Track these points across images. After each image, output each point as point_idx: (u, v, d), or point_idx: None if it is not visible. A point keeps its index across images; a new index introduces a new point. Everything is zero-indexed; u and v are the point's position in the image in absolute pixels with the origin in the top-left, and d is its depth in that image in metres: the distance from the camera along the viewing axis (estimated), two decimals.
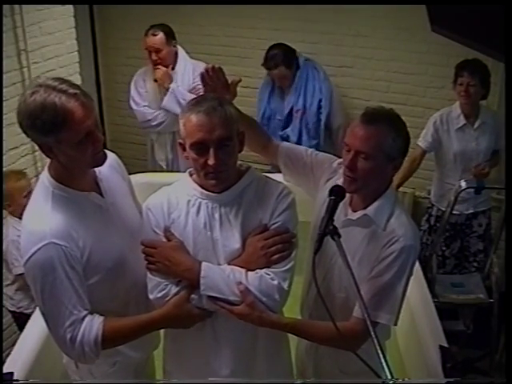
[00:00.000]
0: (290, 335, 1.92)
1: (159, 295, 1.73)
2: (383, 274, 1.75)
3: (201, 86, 3.43)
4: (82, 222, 1.68)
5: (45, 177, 1.72)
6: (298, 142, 3.72)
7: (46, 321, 1.69)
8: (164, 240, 1.75)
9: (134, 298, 1.83)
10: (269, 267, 1.73)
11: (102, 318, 1.69)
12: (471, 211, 3.43)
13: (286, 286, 1.73)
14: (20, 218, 2.98)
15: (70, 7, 3.57)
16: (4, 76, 3.06)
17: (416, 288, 2.57)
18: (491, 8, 1.76)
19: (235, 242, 1.74)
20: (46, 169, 1.73)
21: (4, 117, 3.09)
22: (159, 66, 3.59)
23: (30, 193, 2.91)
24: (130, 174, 2.82)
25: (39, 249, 1.61)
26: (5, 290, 3.09)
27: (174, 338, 1.89)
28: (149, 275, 1.76)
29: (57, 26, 3.47)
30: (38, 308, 2.23)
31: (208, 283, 1.69)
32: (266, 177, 1.87)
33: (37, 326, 2.33)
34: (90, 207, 1.72)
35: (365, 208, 1.81)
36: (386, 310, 1.75)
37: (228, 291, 1.69)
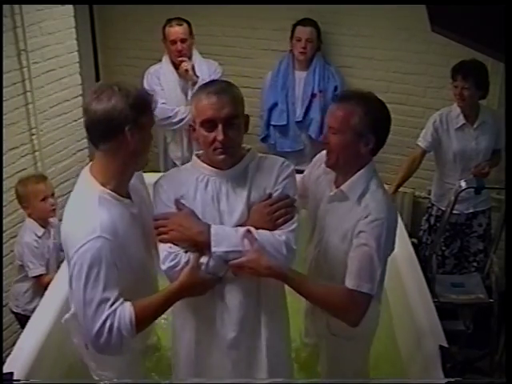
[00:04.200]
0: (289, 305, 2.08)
1: (171, 264, 1.84)
2: (360, 246, 1.90)
3: None
4: (120, 224, 1.82)
5: (88, 179, 1.87)
6: (321, 127, 3.71)
7: (84, 311, 1.77)
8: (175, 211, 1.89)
9: (138, 294, 1.90)
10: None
11: (129, 302, 1.80)
12: (471, 211, 3.43)
13: (292, 243, 1.87)
14: (37, 221, 2.98)
15: (70, 7, 3.57)
16: (4, 76, 3.06)
17: (416, 288, 2.58)
18: (491, 8, 1.76)
19: (241, 213, 1.88)
20: (87, 173, 1.89)
21: (4, 117, 3.09)
22: (185, 59, 3.61)
23: (46, 197, 2.95)
24: None
25: (90, 240, 1.74)
26: (12, 289, 3.09)
27: (182, 309, 2.00)
28: (161, 247, 1.87)
29: (57, 26, 3.47)
30: (37, 309, 2.25)
31: (219, 239, 1.82)
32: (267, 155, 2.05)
33: (37, 326, 2.34)
34: (125, 212, 1.87)
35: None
36: (365, 279, 1.88)
37: (237, 242, 1.82)
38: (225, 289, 1.91)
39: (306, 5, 3.87)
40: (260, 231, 1.85)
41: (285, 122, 3.80)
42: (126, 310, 1.78)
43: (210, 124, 1.83)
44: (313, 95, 3.77)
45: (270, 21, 4.10)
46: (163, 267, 1.86)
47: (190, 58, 3.67)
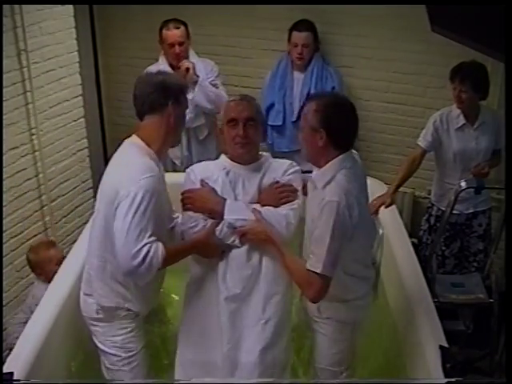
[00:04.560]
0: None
1: (191, 225, 2.31)
2: (316, 228, 2.12)
3: (217, 81, 3.72)
4: (159, 179, 2.21)
5: (138, 141, 2.22)
6: None
7: (127, 235, 2.06)
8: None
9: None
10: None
11: (160, 242, 2.14)
12: (471, 211, 3.43)
13: (291, 218, 2.30)
14: (48, 283, 2.96)
15: (69, 7, 3.57)
16: (4, 76, 3.06)
17: (416, 288, 2.58)
18: (491, 8, 1.76)
19: (252, 196, 2.35)
20: (135, 138, 2.23)
21: (4, 117, 3.09)
22: (185, 60, 3.62)
23: (59, 261, 2.94)
24: None
25: (145, 178, 2.10)
26: None
27: (196, 269, 2.36)
28: (184, 213, 2.37)
29: (57, 26, 3.47)
30: (37, 309, 2.27)
31: (230, 209, 2.28)
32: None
33: (37, 325, 2.34)
34: (161, 174, 2.28)
35: None
36: (316, 260, 2.08)
37: (246, 214, 2.28)
38: (231, 253, 2.29)
39: (306, 5, 3.87)
40: (266, 207, 2.30)
41: (280, 123, 3.80)
42: (159, 246, 2.11)
43: (233, 122, 2.35)
44: (307, 96, 3.77)
45: (270, 21, 4.09)
46: (183, 227, 2.34)
47: (187, 58, 3.67)
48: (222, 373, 2.20)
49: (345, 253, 2.11)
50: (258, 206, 2.31)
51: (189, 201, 2.34)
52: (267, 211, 2.29)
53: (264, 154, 2.47)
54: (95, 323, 2.35)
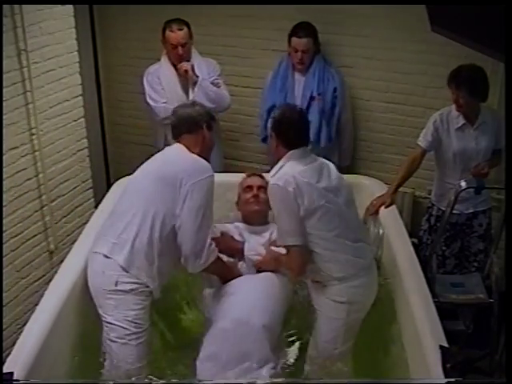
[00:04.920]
0: None
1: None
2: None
3: (219, 80, 3.86)
4: None
5: (183, 148, 2.64)
6: (319, 130, 3.75)
7: (197, 231, 2.47)
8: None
9: None
10: None
11: None
12: (471, 211, 3.43)
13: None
14: None
15: (70, 7, 3.57)
16: (4, 76, 3.05)
17: (416, 288, 2.58)
18: (491, 8, 1.76)
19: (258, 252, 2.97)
20: (182, 146, 2.65)
21: (4, 117, 3.09)
22: (183, 62, 3.64)
23: None
24: (129, 173, 2.84)
25: (208, 176, 2.53)
26: None
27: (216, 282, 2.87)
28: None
29: (57, 25, 3.47)
30: (37, 310, 2.26)
31: (249, 248, 2.95)
32: None
33: (37, 325, 2.34)
34: None
35: None
36: (279, 236, 2.58)
37: (260, 251, 2.93)
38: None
39: (306, 5, 3.87)
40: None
41: None
42: (214, 245, 2.55)
43: (249, 188, 3.17)
44: (312, 98, 3.77)
45: (270, 21, 4.09)
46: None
47: (190, 58, 3.68)
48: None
49: (314, 229, 2.48)
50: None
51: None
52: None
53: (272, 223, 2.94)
54: (110, 296, 2.46)
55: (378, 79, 3.99)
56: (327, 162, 2.71)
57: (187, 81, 3.67)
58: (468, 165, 3.33)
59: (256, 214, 3.09)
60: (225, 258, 2.84)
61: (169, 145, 3.88)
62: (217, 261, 2.63)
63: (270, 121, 2.74)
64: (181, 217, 2.48)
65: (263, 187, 3.07)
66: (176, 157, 2.64)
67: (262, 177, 3.20)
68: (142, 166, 2.74)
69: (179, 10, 3.97)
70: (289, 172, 2.51)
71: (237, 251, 2.93)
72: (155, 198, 2.51)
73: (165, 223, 2.49)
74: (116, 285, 2.45)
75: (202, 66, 3.72)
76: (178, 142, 2.68)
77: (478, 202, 3.40)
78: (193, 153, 2.62)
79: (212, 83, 3.70)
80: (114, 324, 2.45)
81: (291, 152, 2.59)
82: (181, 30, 3.62)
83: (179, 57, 3.65)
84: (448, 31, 2.34)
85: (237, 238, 3.02)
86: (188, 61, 3.68)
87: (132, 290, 2.46)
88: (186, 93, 3.70)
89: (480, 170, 3.27)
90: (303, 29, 3.72)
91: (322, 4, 3.84)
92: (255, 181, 3.18)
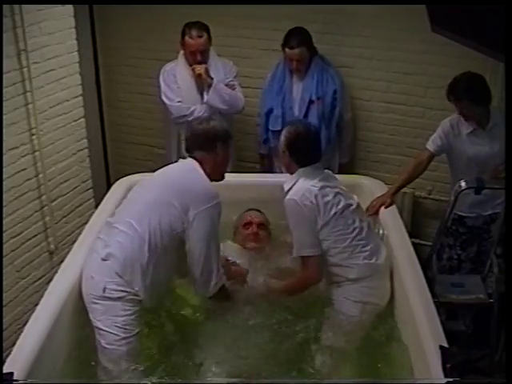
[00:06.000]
0: None
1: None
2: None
3: (235, 82, 3.89)
4: None
5: (196, 166, 2.61)
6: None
7: (208, 258, 2.52)
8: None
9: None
10: None
11: None
12: (489, 212, 3.34)
13: None
14: None
15: (70, 7, 3.57)
16: (4, 76, 3.05)
17: (416, 288, 2.58)
18: (491, 8, 1.76)
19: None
20: (195, 163, 2.61)
21: (4, 117, 3.09)
22: (197, 65, 3.65)
23: None
24: (129, 173, 2.84)
25: (215, 204, 2.52)
26: None
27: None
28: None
29: (57, 25, 3.47)
30: (37, 310, 2.26)
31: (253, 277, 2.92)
32: None
33: (37, 326, 2.34)
34: None
35: None
36: (294, 247, 2.71)
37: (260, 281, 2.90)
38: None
39: (305, 5, 3.87)
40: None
41: (280, 128, 3.69)
42: (222, 271, 2.63)
43: (248, 225, 3.18)
44: (311, 102, 3.76)
45: (270, 21, 4.09)
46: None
47: (206, 61, 3.69)
48: None
49: (330, 236, 2.64)
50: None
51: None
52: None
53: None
54: (98, 301, 2.44)
55: (378, 79, 3.99)
56: (330, 171, 2.90)
57: (202, 82, 3.69)
58: (484, 168, 3.22)
59: (255, 250, 3.11)
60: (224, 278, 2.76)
61: (181, 146, 3.90)
62: (222, 288, 2.66)
63: (281, 137, 2.80)
64: (189, 242, 2.52)
65: (263, 224, 3.15)
66: (186, 179, 2.61)
67: (260, 212, 3.22)
68: (153, 175, 2.74)
69: (179, 10, 3.97)
70: (304, 187, 2.67)
71: (239, 275, 2.89)
72: (160, 211, 2.50)
73: (163, 236, 2.48)
74: (104, 291, 2.43)
75: (219, 67, 3.74)
76: (192, 156, 2.66)
77: (496, 204, 3.30)
78: (205, 169, 2.60)
79: (227, 85, 3.72)
80: (103, 330, 2.42)
81: (302, 170, 2.74)
82: (200, 37, 3.63)
83: (198, 63, 3.66)
84: (448, 31, 2.34)
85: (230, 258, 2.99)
86: (205, 63, 3.68)
87: (120, 298, 2.43)
88: (201, 94, 3.71)
89: (498, 174, 3.15)
90: (295, 38, 3.67)
91: (321, 4, 3.84)
92: (254, 217, 3.19)
